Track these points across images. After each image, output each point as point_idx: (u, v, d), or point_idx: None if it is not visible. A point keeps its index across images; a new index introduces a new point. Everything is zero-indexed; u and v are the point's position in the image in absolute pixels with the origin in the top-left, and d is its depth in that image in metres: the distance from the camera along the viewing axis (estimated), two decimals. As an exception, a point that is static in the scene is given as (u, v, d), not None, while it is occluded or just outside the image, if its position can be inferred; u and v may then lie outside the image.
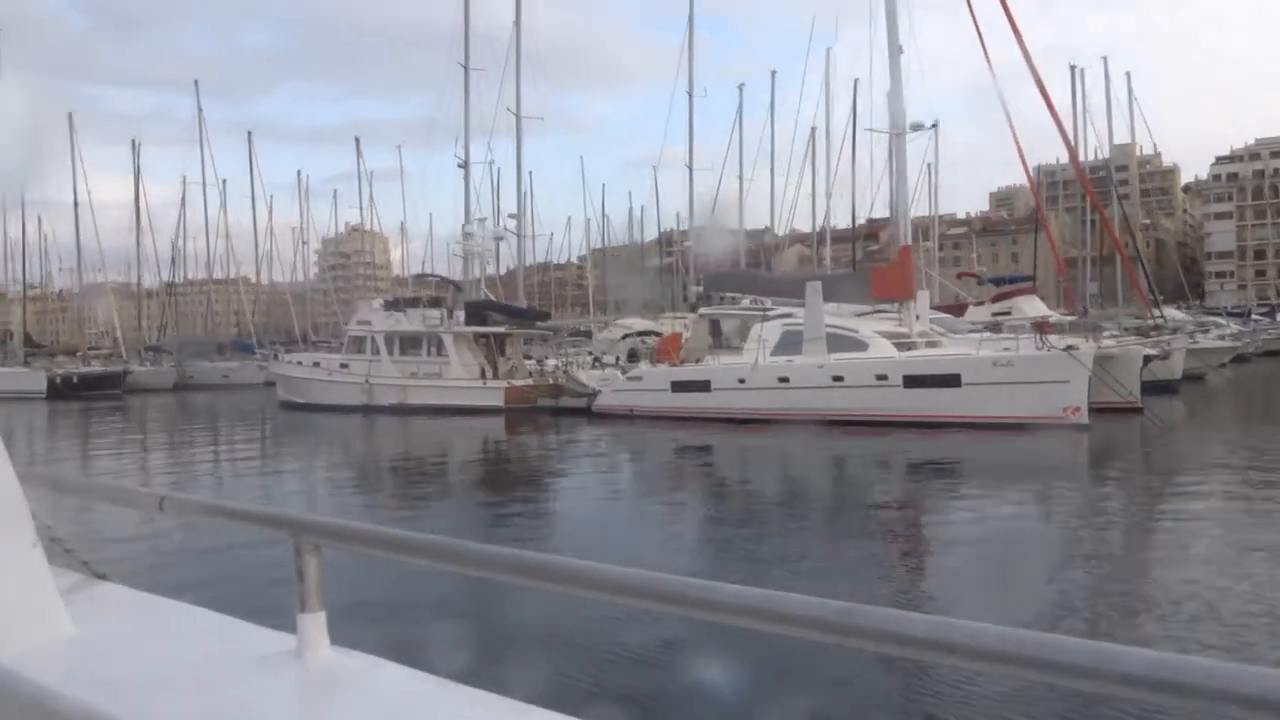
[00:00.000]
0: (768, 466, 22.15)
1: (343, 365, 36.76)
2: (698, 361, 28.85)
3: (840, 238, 75.72)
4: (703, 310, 30.27)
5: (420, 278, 39.20)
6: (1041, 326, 30.71)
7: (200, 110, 62.77)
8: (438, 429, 31.85)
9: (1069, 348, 22.83)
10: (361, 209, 68.68)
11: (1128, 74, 58.53)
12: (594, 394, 32.99)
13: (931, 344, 26.75)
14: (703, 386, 27.50)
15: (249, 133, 68.23)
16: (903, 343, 26.13)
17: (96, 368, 51.47)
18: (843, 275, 32.72)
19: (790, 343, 26.76)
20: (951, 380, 23.57)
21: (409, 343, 35.89)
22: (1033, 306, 37.53)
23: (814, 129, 59.25)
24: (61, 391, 46.95)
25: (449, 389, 33.92)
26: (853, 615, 1.09)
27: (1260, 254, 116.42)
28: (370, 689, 1.67)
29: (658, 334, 42.19)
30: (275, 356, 40.65)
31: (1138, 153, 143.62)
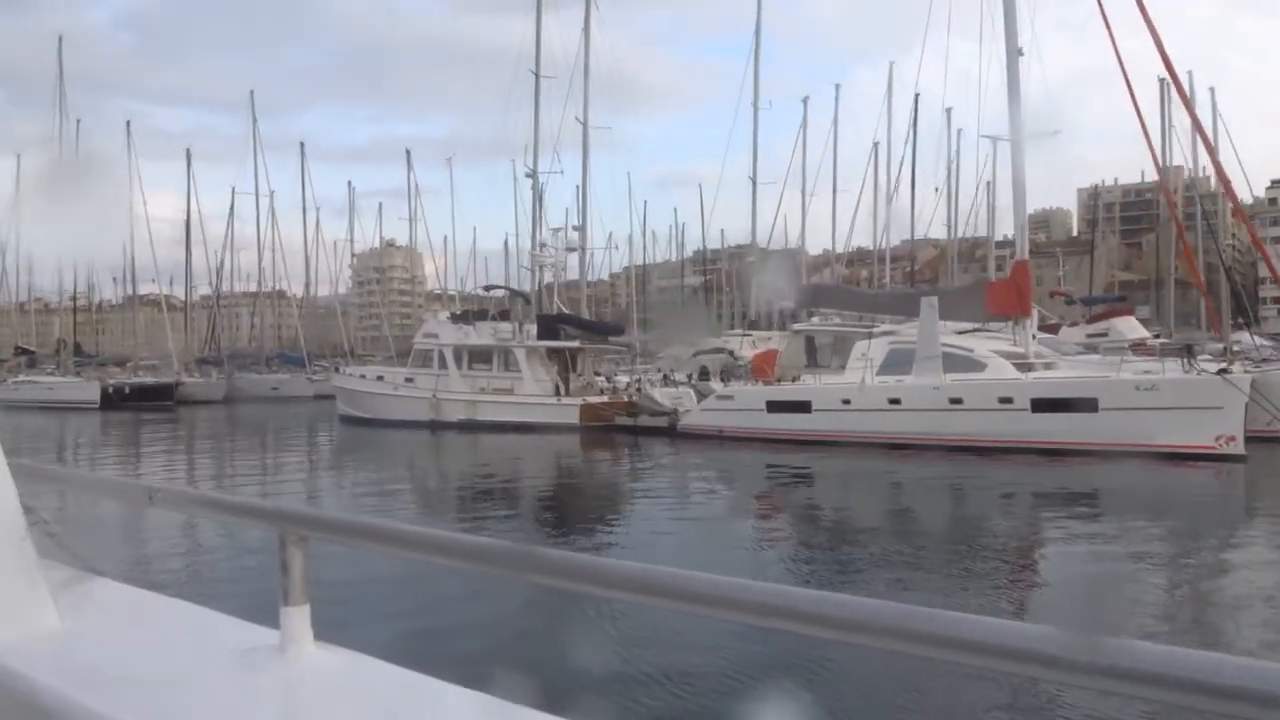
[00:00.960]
0: (882, 496, 20.39)
1: (408, 380, 35.43)
2: (793, 381, 27.24)
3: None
4: (797, 326, 28.66)
5: (489, 289, 37.87)
6: (1138, 347, 28.96)
7: (255, 120, 62.15)
8: (511, 447, 30.38)
9: (1221, 370, 21.05)
10: (411, 221, 67.52)
11: (1211, 90, 53.51)
12: (672, 413, 31.53)
13: (1048, 365, 25.06)
14: (802, 407, 25.88)
15: (301, 144, 67.56)
16: (1020, 364, 24.44)
17: (147, 379, 50.52)
18: (956, 290, 31.02)
19: (898, 362, 25.13)
20: (1087, 404, 21.84)
21: (478, 357, 34.54)
22: (1130, 328, 35.65)
23: (875, 144, 57.67)
24: (114, 402, 46.06)
25: (521, 405, 32.50)
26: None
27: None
28: (353, 686, 1.65)
29: (728, 350, 40.66)
30: (336, 370, 39.37)
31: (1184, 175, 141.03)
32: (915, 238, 64.02)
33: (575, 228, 41.06)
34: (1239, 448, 20.57)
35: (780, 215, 52.06)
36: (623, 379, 36.69)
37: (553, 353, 33.99)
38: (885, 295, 34.31)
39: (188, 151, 64.41)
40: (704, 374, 38.48)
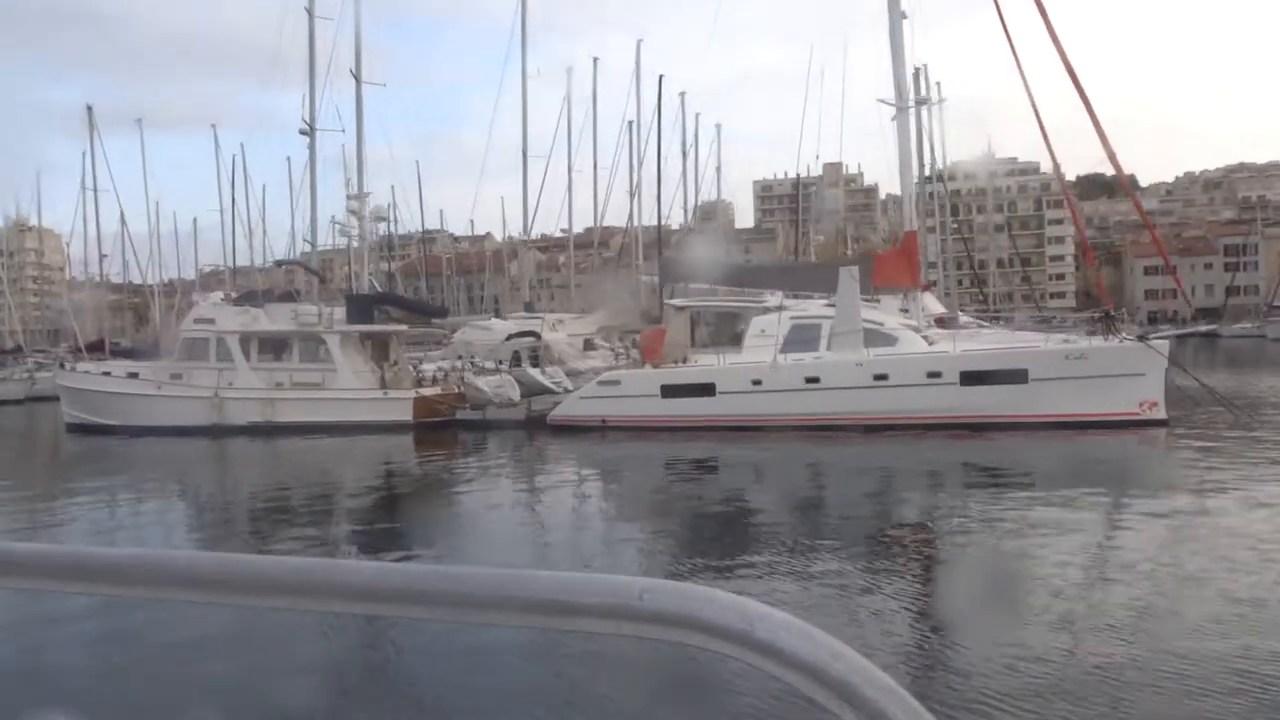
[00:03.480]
0: (803, 483, 18.79)
1: (174, 376, 28.77)
2: (680, 363, 24.91)
3: (581, 244, 73.69)
4: (678, 302, 26.26)
5: (282, 264, 31.41)
6: (940, 323, 29.82)
7: None
8: (327, 452, 25.45)
9: (1141, 337, 21.58)
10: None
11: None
12: (502, 403, 28.15)
13: (935, 340, 24.77)
14: (705, 390, 23.64)
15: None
16: (924, 337, 23.89)
17: None
18: (835, 262, 30.03)
19: (802, 339, 23.64)
20: (1018, 376, 21.56)
21: (270, 346, 28.73)
22: (932, 304, 36.98)
23: (630, 123, 56.39)
24: None
25: (336, 402, 27.39)
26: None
27: (960, 265, 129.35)
28: None
29: (535, 334, 37.40)
30: (61, 366, 31.16)
31: (844, 171, 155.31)
32: (660, 219, 63.82)
33: (352, 196, 35.68)
34: (1161, 412, 21.16)
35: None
36: (428, 368, 32.38)
37: (364, 339, 29.05)
38: (756, 268, 32.85)
39: None
40: (516, 360, 35.11)
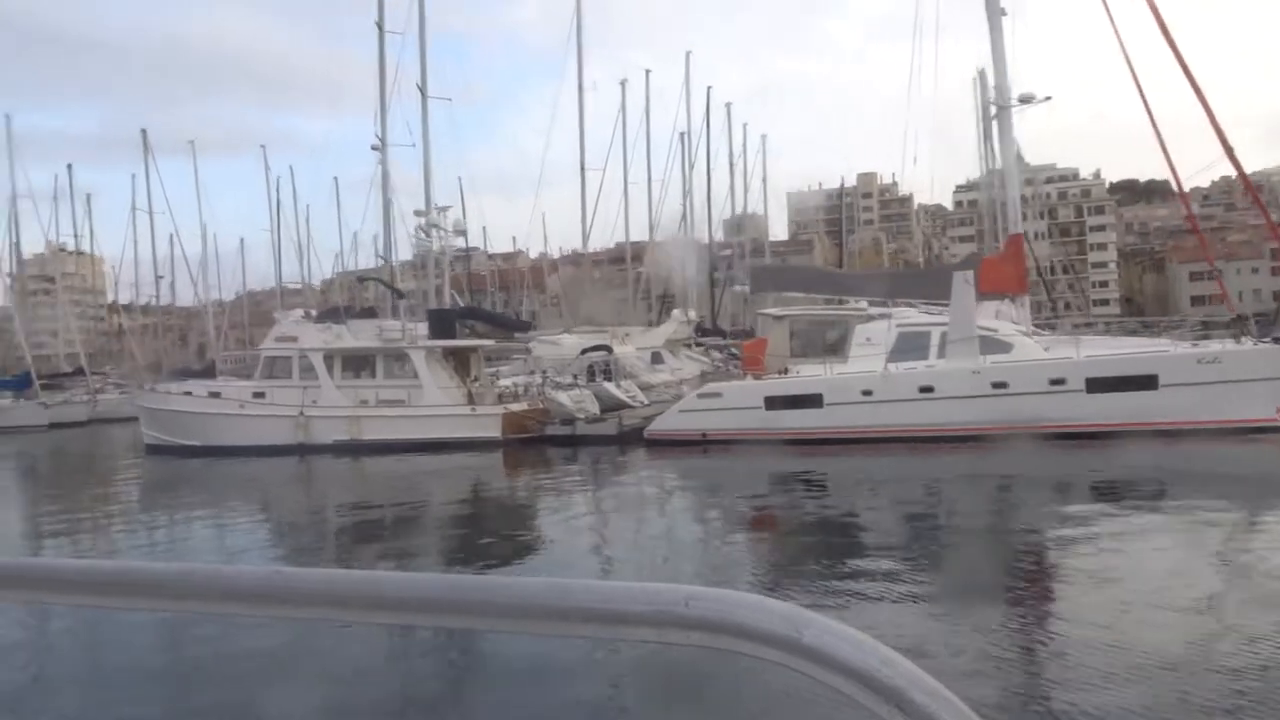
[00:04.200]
0: (931, 499, 17.94)
1: (257, 395, 28.38)
2: (782, 374, 24.22)
3: (614, 258, 73.21)
4: (775, 311, 25.60)
5: (363, 280, 30.91)
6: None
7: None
8: (418, 471, 24.86)
9: (1277, 339, 20.69)
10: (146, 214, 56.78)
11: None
12: (588, 418, 27.57)
13: (1049, 347, 23.97)
14: (812, 402, 22.91)
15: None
16: (1038, 343, 23.10)
17: None
18: (941, 269, 29.31)
19: (910, 347, 22.91)
20: (1146, 382, 20.69)
21: (354, 363, 28.29)
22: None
23: (682, 134, 56.05)
24: None
25: (423, 419, 26.88)
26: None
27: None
28: None
29: (608, 348, 36.87)
30: (140, 387, 30.86)
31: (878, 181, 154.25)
32: (711, 232, 63.33)
33: (419, 212, 35.30)
34: (1300, 418, 20.24)
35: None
36: (504, 383, 31.87)
37: (448, 354, 28.55)
38: (851, 275, 32.16)
39: None
40: (591, 374, 34.59)
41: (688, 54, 58.82)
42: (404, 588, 1.02)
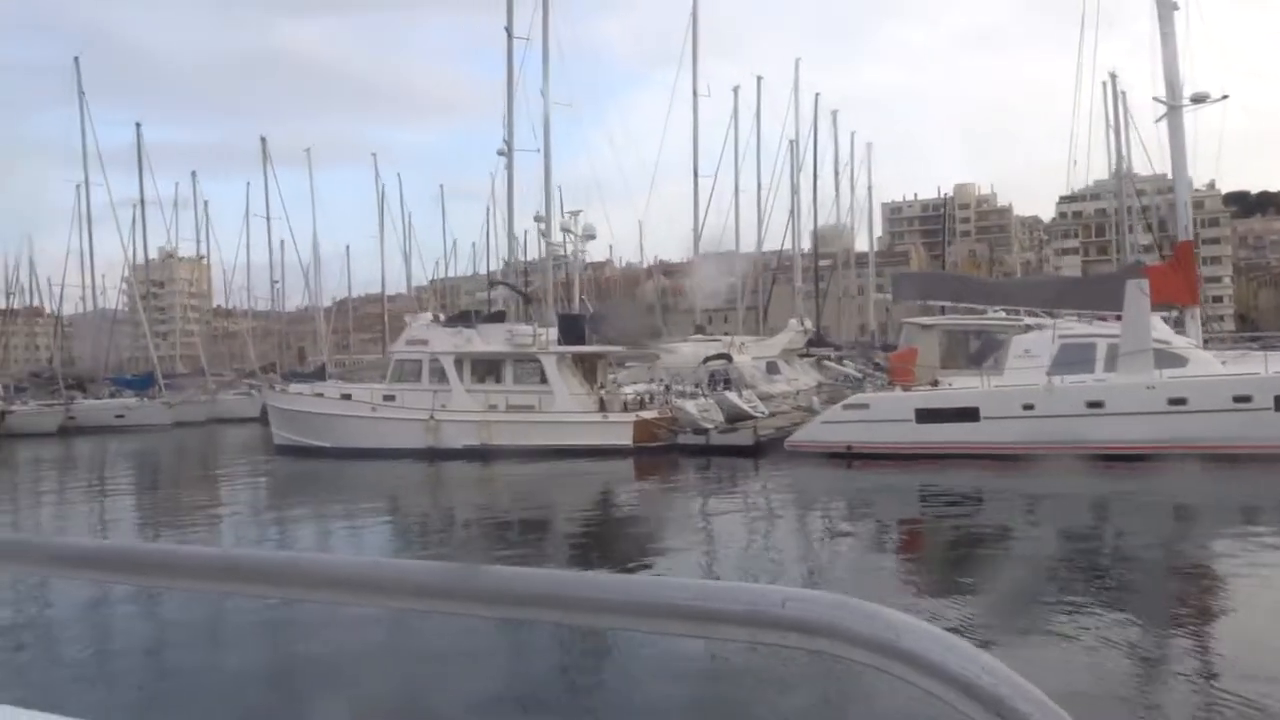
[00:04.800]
0: (1126, 524, 16.66)
1: (387, 398, 28.39)
2: (934, 385, 23.20)
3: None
4: (924, 320, 24.59)
5: (495, 285, 30.87)
6: None
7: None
8: (549, 477, 24.49)
9: None
10: (268, 222, 58.19)
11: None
12: (719, 428, 26.88)
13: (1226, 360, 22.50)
14: (968, 415, 21.85)
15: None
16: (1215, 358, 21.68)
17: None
18: (1104, 277, 28.08)
19: (1073, 359, 21.68)
20: None
21: (482, 368, 28.11)
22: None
23: (792, 142, 55.09)
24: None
25: (553, 425, 26.51)
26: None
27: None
28: None
29: (728, 357, 36.16)
30: (270, 386, 31.22)
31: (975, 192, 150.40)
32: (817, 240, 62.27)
33: (538, 218, 35.13)
34: None
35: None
36: (626, 390, 31.37)
37: (577, 361, 28.19)
38: (1004, 283, 30.97)
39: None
40: (711, 383, 33.89)
41: (797, 60, 58.11)
42: (503, 581, 1.00)
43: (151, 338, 51.47)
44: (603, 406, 26.92)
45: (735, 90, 51.14)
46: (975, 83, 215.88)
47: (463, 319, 29.03)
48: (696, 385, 32.99)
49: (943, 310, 25.21)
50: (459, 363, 27.76)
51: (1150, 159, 35.68)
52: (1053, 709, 0.81)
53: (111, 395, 46.42)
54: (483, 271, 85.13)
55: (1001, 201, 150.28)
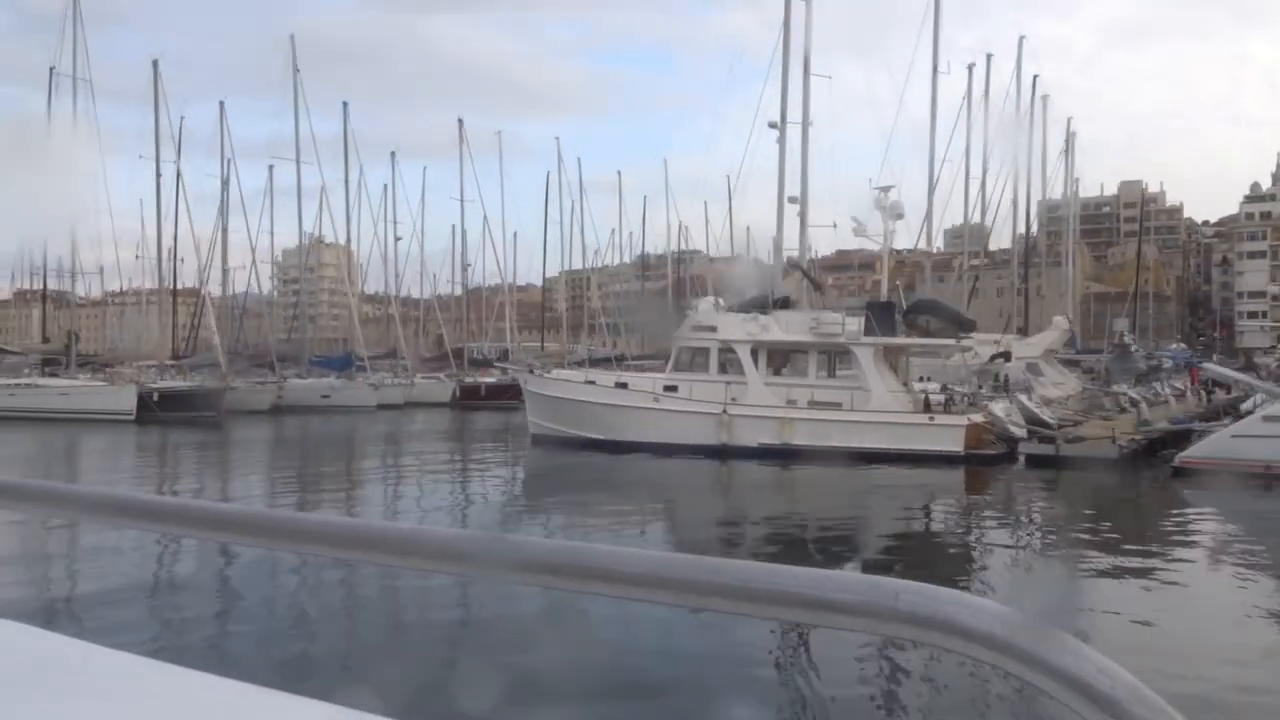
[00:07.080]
0: None
1: (668, 389, 25.71)
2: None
3: (833, 265, 68.19)
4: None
5: (793, 268, 28.19)
6: None
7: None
8: (871, 487, 21.33)
9: None
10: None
11: None
12: (1069, 438, 23.36)
13: None
14: None
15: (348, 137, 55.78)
16: None
17: (179, 382, 38.33)
18: None
19: None
20: None
21: (779, 358, 25.21)
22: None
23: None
24: (152, 412, 34.37)
25: (868, 426, 23.38)
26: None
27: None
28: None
29: (1007, 355, 32.59)
30: (531, 371, 28.95)
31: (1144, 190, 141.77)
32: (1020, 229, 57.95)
33: (792, 199, 32.04)
34: None
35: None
36: (921, 387, 28.03)
37: (889, 353, 25.04)
38: None
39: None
40: (996, 385, 30.36)
41: (1020, 39, 53.63)
42: (614, 561, 0.98)
43: (305, 320, 50.50)
44: (928, 406, 23.66)
45: (969, 69, 47.22)
46: (1130, 77, 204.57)
47: (756, 304, 26.08)
48: (979, 386, 29.52)
49: None
50: (755, 352, 24.88)
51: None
52: (1173, 715, 0.77)
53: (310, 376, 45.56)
54: (611, 263, 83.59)
55: (1170, 200, 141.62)
